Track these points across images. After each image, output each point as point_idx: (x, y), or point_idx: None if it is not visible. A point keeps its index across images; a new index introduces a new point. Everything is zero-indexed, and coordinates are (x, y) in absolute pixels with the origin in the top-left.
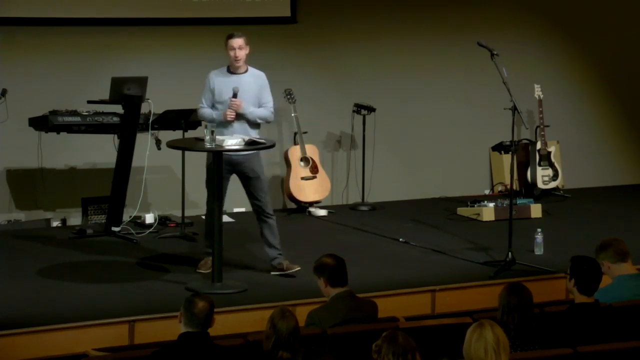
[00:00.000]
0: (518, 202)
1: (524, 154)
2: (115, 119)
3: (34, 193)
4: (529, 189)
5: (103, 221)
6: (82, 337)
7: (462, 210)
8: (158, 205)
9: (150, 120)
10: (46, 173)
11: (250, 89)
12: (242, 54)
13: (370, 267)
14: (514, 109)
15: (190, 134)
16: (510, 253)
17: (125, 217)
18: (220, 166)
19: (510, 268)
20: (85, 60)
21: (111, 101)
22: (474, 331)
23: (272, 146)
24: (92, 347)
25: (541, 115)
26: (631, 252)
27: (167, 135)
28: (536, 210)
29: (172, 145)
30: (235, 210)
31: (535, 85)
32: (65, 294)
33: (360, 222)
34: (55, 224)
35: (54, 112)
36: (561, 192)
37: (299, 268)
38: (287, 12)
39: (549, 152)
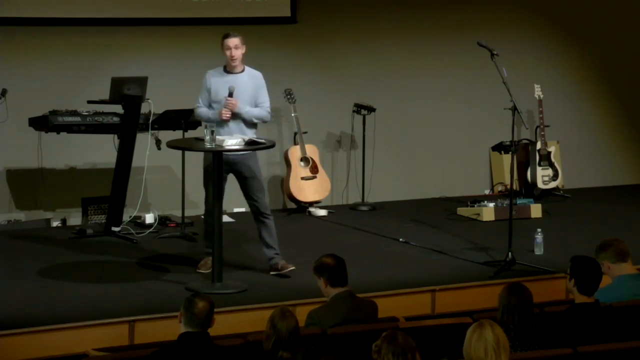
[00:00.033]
0: (518, 202)
1: (524, 154)
2: (115, 119)
3: (34, 193)
4: (529, 189)
5: (103, 221)
6: (82, 337)
7: (462, 210)
8: (158, 205)
9: (150, 120)
10: (46, 173)
11: (246, 88)
12: (238, 53)
13: (370, 267)
14: (514, 109)
15: (190, 134)
16: (510, 253)
17: (125, 217)
18: (221, 166)
19: (510, 268)
20: (85, 60)
21: (111, 101)
22: (474, 331)
23: (272, 146)
24: (92, 347)
25: (541, 115)
26: (631, 252)
27: (167, 135)
28: (536, 210)
29: (172, 145)
30: (235, 210)
31: (535, 85)
32: (65, 294)
33: (360, 222)
34: (55, 224)
35: (54, 112)
36: (561, 192)
37: (293, 268)
38: (287, 12)
39: (549, 152)
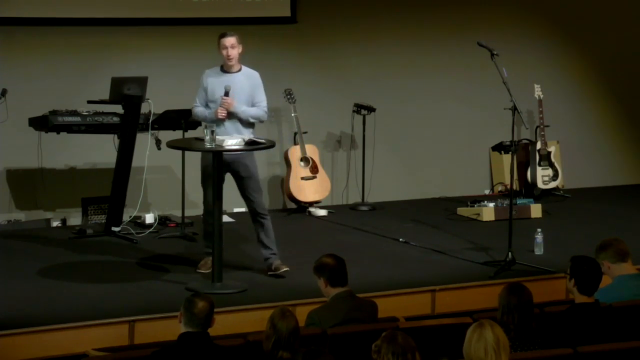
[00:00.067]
0: (518, 202)
1: (524, 154)
2: (115, 119)
3: (34, 193)
4: (529, 189)
5: (103, 221)
6: (82, 337)
7: (462, 210)
8: (158, 205)
9: (150, 120)
10: (46, 173)
11: (242, 87)
12: (234, 52)
13: (370, 267)
14: (514, 109)
15: (190, 134)
16: (510, 253)
17: (125, 217)
18: (221, 166)
19: (510, 268)
20: (85, 60)
21: (111, 101)
22: (474, 331)
23: (272, 146)
24: (92, 347)
25: (541, 115)
26: (631, 252)
27: (167, 135)
28: (536, 210)
29: (172, 145)
30: (235, 210)
31: (535, 85)
32: (65, 294)
33: (360, 222)
34: (55, 224)
35: (54, 112)
36: (561, 192)
37: (287, 269)
38: (287, 12)
39: (549, 152)
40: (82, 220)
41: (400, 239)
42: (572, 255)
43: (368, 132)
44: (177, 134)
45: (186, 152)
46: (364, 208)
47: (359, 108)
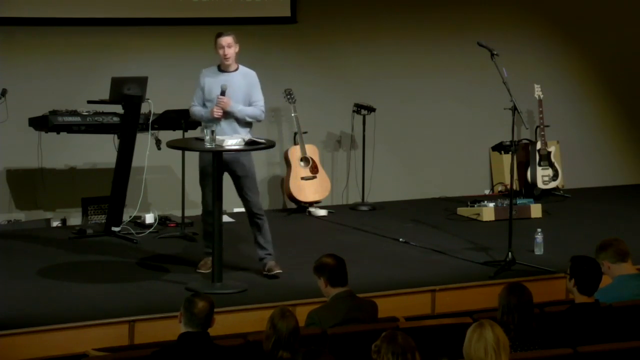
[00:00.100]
0: (518, 202)
1: (524, 154)
2: (115, 119)
3: (34, 193)
4: (529, 189)
5: (103, 221)
6: (82, 337)
7: (462, 210)
8: (158, 205)
9: (150, 120)
10: (46, 173)
11: (239, 87)
12: (230, 52)
13: (370, 267)
14: (514, 109)
15: (190, 134)
16: (510, 253)
17: (125, 217)
18: (221, 166)
19: (510, 268)
20: (85, 60)
21: (111, 101)
22: (474, 331)
23: (272, 146)
24: (92, 347)
25: (541, 115)
26: (631, 252)
27: (167, 135)
28: (536, 210)
29: (172, 145)
30: (235, 210)
31: (535, 85)
32: (65, 294)
33: (360, 222)
34: (55, 224)
35: (54, 112)
36: (561, 192)
37: (280, 271)
38: (287, 12)
39: (549, 152)
40: (82, 220)
41: (400, 239)
42: (572, 255)
43: (368, 132)
44: (177, 134)
45: (186, 152)
46: (364, 208)
47: (359, 108)
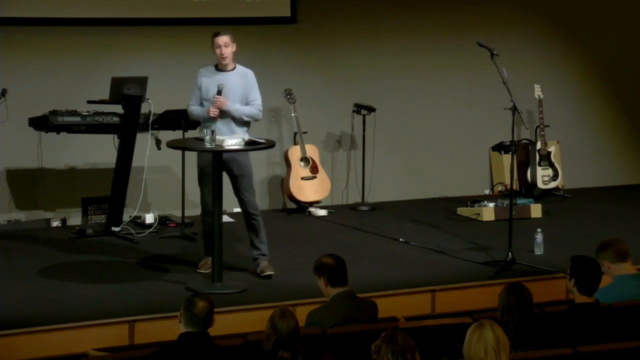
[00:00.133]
0: (518, 202)
1: (524, 154)
2: (115, 119)
3: (34, 193)
4: (529, 189)
5: (103, 221)
6: (82, 337)
7: (462, 210)
8: (158, 205)
9: (150, 120)
10: (46, 173)
11: (236, 86)
12: (227, 51)
13: (370, 267)
14: (514, 109)
15: (190, 134)
16: (510, 253)
17: (125, 217)
18: (220, 166)
19: (510, 268)
20: (85, 60)
21: (111, 101)
22: (474, 331)
23: (272, 146)
24: (92, 347)
25: (541, 115)
26: (631, 252)
27: (167, 135)
28: (536, 210)
29: (172, 145)
30: (235, 210)
31: (535, 85)
32: (65, 294)
33: (360, 222)
34: (55, 224)
35: (54, 112)
36: (561, 192)
37: (272, 272)
38: (287, 12)
39: (549, 152)
40: (82, 220)
41: (400, 239)
42: (572, 255)
43: (368, 132)
44: (177, 134)
45: (186, 152)
46: (364, 208)
47: (359, 108)
